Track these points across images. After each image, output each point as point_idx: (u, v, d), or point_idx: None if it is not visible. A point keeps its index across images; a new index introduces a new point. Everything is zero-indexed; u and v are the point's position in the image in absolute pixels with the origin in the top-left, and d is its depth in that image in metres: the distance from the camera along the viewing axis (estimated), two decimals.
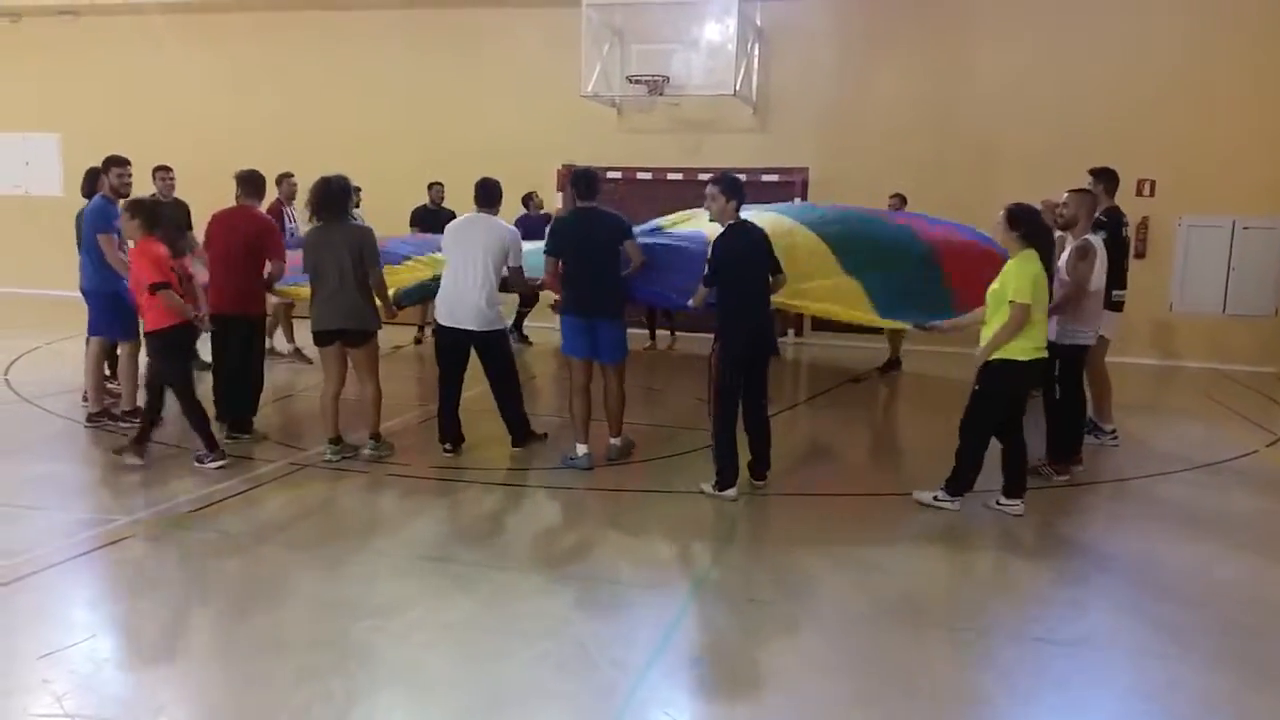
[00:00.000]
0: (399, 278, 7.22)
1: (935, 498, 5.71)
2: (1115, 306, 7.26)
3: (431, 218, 10.89)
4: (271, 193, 8.46)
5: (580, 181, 6.28)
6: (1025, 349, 5.40)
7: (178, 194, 8.66)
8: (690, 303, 6.11)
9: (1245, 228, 11.67)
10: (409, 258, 7.69)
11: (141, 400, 6.94)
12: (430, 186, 11.44)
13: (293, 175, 9.65)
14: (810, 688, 3.62)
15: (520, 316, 11.61)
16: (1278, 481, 6.78)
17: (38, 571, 4.45)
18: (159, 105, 14.43)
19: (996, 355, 5.43)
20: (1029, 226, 5.40)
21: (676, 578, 4.73)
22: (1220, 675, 3.80)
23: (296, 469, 6.21)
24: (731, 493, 5.88)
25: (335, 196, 6.26)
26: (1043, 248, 5.45)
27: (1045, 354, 5.56)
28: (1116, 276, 7.23)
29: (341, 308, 6.23)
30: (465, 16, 13.61)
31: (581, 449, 6.34)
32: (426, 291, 7.22)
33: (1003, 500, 5.68)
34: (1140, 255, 11.85)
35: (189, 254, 7.60)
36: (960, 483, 5.66)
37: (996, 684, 3.72)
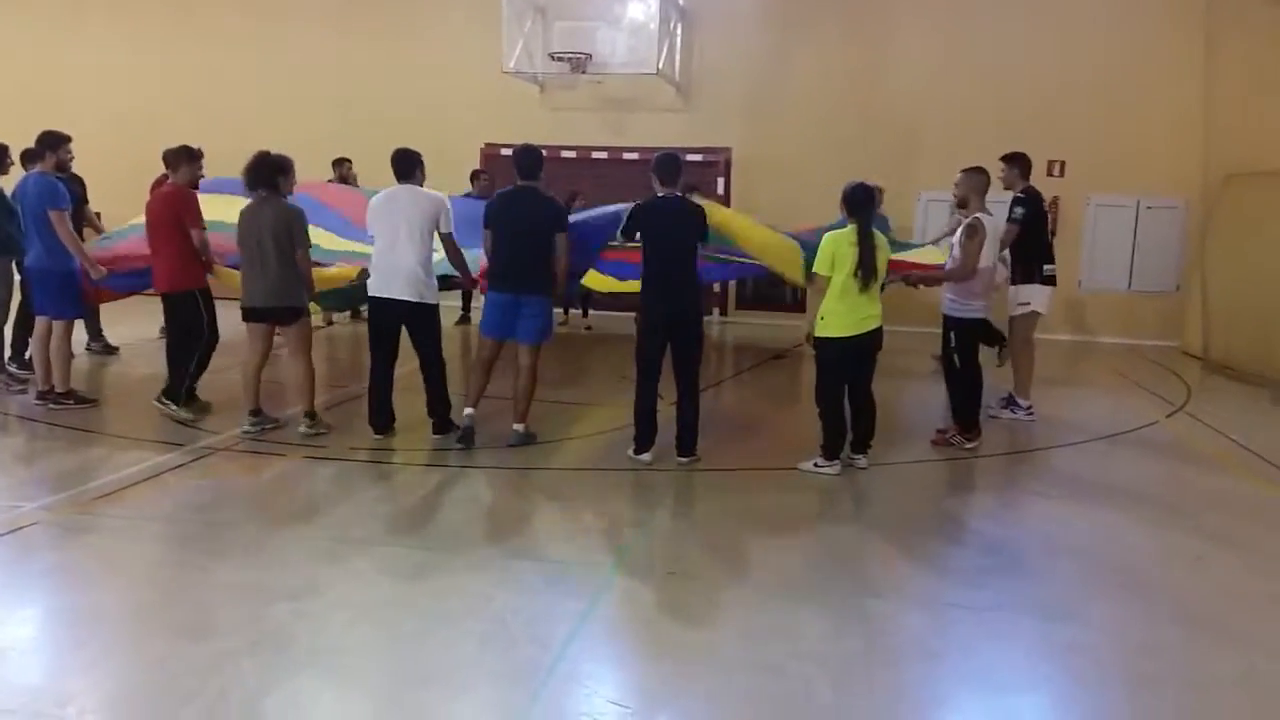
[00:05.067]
0: (323, 277, 7.12)
1: (815, 464, 5.96)
2: (1048, 280, 7.52)
3: None
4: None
5: (524, 159, 6.15)
6: (844, 325, 5.78)
7: (77, 169, 8.40)
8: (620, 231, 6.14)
9: (1149, 207, 12.11)
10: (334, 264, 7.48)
11: (76, 382, 7.11)
12: (337, 164, 10.83)
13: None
14: (728, 658, 3.68)
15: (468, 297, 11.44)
16: (1176, 449, 7.09)
17: None
18: (69, 80, 13.88)
19: (820, 332, 5.84)
20: (849, 204, 5.85)
21: (598, 553, 4.77)
22: (1119, 636, 3.98)
23: (210, 452, 6.08)
24: (646, 456, 6.01)
25: (261, 170, 6.18)
26: (860, 222, 5.77)
27: (869, 328, 5.83)
28: (1043, 252, 7.51)
29: (270, 287, 6.17)
30: None
31: (467, 410, 6.19)
32: (345, 299, 7.12)
33: (851, 454, 6.05)
34: (1051, 234, 12.23)
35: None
36: (831, 447, 5.95)
37: (907, 649, 3.83)
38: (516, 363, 6.24)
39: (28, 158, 7.53)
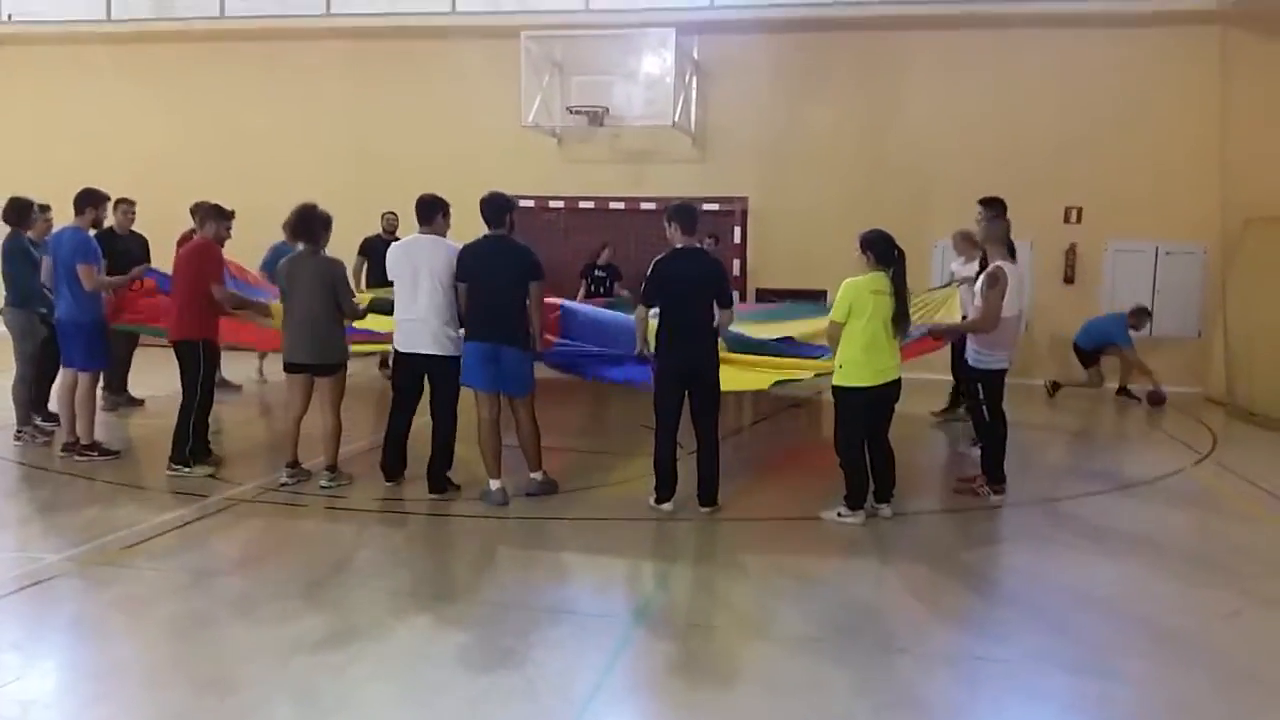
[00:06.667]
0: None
1: (839, 514, 5.91)
2: None
3: (385, 247, 10.70)
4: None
5: (491, 207, 6.09)
6: (863, 375, 5.75)
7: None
8: (637, 351, 6.15)
9: (1168, 253, 12.08)
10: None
11: (99, 433, 7.11)
12: (383, 216, 11.12)
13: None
14: (751, 713, 3.63)
15: None
16: (1204, 498, 7.00)
17: None
18: (91, 136, 14.17)
19: (839, 381, 5.81)
20: (876, 250, 5.81)
21: (620, 605, 4.74)
22: (1154, 691, 3.89)
23: (233, 504, 6.09)
24: (667, 506, 6.00)
25: (303, 224, 6.31)
26: (896, 273, 5.79)
27: (889, 379, 5.82)
28: None
29: (313, 342, 6.25)
30: (405, 48, 13.62)
31: (494, 484, 6.11)
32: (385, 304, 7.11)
33: (875, 503, 6.00)
34: (1069, 280, 12.24)
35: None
36: (855, 496, 5.90)
37: (933, 703, 3.77)
38: (513, 417, 6.16)
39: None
